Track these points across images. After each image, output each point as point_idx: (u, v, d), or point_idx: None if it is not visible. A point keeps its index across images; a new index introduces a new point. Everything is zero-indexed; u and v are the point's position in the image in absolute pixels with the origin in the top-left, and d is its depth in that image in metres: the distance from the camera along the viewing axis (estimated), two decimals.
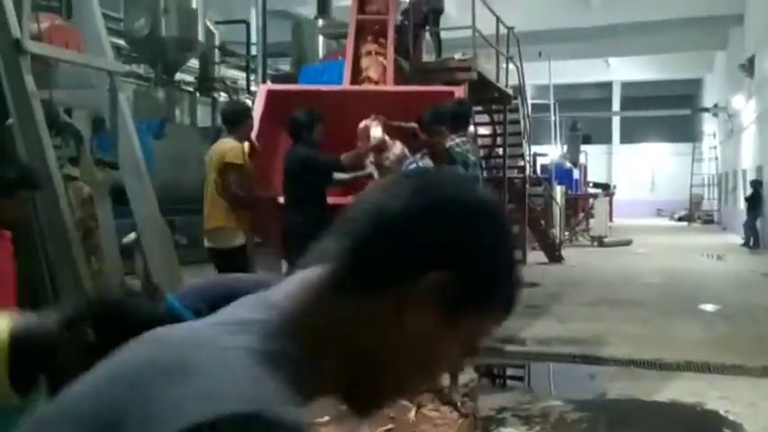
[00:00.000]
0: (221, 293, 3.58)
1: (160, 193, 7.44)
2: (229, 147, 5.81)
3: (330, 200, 5.98)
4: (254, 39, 13.75)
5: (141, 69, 13.71)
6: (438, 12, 11.25)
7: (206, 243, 5.91)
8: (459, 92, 7.45)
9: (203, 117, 14.04)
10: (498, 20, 12.13)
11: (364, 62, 8.69)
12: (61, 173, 5.76)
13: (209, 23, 13.44)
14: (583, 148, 28.72)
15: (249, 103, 10.10)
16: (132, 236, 6.59)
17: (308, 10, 16.74)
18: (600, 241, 18.78)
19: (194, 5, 12.03)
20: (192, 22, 12.07)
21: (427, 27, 11.17)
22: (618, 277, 12.56)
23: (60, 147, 6.19)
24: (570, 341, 7.45)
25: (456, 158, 5.05)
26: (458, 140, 5.73)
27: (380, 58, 8.72)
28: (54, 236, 5.29)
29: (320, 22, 13.18)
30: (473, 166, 5.12)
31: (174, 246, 7.10)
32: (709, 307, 9.45)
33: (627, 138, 36.33)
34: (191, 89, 13.97)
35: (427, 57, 11.43)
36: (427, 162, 5.02)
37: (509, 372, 7.24)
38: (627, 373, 6.44)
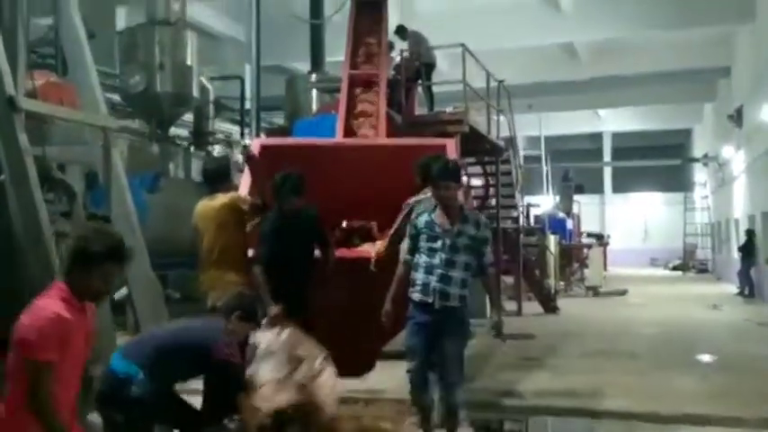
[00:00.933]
0: (167, 344, 3.53)
1: (154, 246, 7.42)
2: (230, 197, 5.75)
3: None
4: (248, 93, 13.89)
5: (136, 124, 13.78)
6: (430, 66, 11.43)
7: (212, 302, 5.59)
8: (451, 144, 7.49)
9: (198, 171, 14.09)
10: (488, 74, 12.31)
11: (357, 116, 8.77)
12: (53, 229, 5.75)
13: (203, 79, 13.58)
14: (575, 197, 28.87)
15: (238, 156, 10.13)
16: (123, 291, 6.54)
17: (302, 65, 16.99)
18: (595, 291, 18.72)
19: (189, 62, 12.16)
20: (187, 77, 12.19)
21: (420, 81, 11.33)
22: (614, 328, 12.48)
23: (53, 202, 6.18)
24: (568, 394, 7.36)
25: (468, 217, 5.01)
26: (421, 197, 5.85)
27: (372, 112, 8.80)
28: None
29: (314, 76, 13.36)
30: (484, 226, 5.05)
31: (167, 300, 7.05)
32: (706, 358, 9.37)
33: (619, 187, 36.58)
34: (185, 143, 14.04)
35: (420, 110, 11.57)
36: (438, 215, 4.96)
37: (507, 426, 7.13)
38: (625, 427, 6.35)
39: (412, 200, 6.18)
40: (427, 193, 6.03)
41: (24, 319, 2.86)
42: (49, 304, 2.90)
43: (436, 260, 4.88)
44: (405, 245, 5.21)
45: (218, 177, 5.93)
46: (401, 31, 11.51)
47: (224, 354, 4.11)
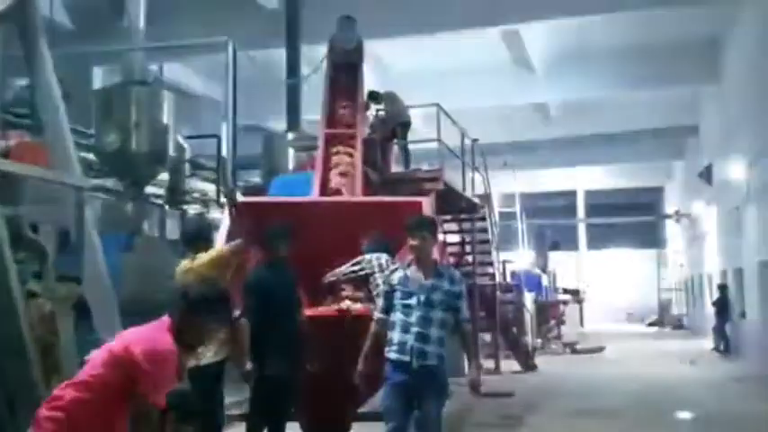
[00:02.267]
0: None
1: (127, 306, 7.28)
2: (213, 254, 5.72)
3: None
4: (224, 152, 13.92)
5: (111, 183, 13.70)
6: (406, 125, 11.55)
7: (196, 360, 5.37)
8: (427, 202, 7.53)
9: (172, 229, 13.97)
10: (463, 132, 12.47)
11: (334, 174, 8.80)
12: (24, 289, 5.63)
13: (179, 138, 13.59)
14: (551, 254, 29.01)
15: (220, 215, 10.08)
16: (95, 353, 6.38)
17: (279, 124, 17.10)
18: (572, 348, 18.66)
19: (165, 120, 12.18)
20: (163, 136, 12.18)
21: (395, 140, 11.43)
22: (593, 386, 12.41)
23: (24, 262, 6.08)
24: None
25: (443, 272, 4.99)
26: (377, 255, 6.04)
27: (349, 170, 8.84)
28: (12, 354, 5.11)
29: (290, 135, 13.43)
30: (459, 281, 5.01)
31: None
32: (685, 415, 9.32)
33: (594, 244, 36.87)
34: (160, 202, 13.95)
35: (396, 167, 11.65)
36: (413, 270, 4.94)
37: None
38: None
39: (368, 256, 6.27)
40: (381, 256, 6.20)
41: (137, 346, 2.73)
42: (168, 339, 2.82)
43: (412, 318, 4.81)
44: (379, 302, 5.17)
45: (198, 239, 5.89)
46: (374, 97, 11.65)
47: None
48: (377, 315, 5.08)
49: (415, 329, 4.79)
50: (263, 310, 5.53)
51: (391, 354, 4.84)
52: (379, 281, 5.99)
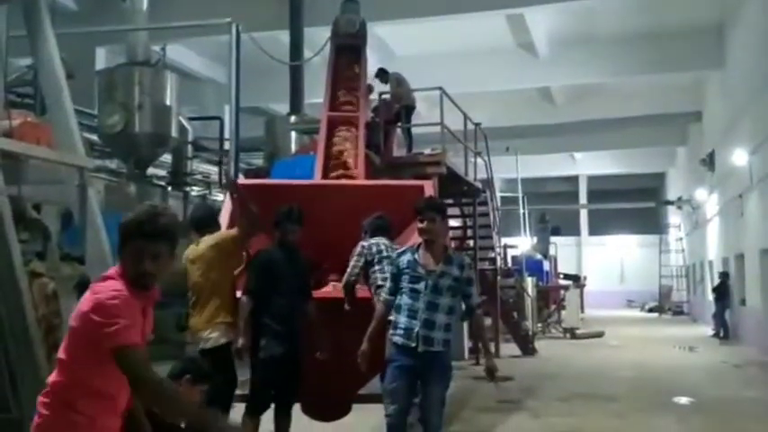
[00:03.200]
0: None
1: None
2: (217, 236, 5.69)
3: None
4: (227, 134, 13.92)
5: (113, 164, 13.72)
6: (410, 108, 11.54)
7: (203, 344, 5.47)
8: (429, 186, 7.54)
9: (175, 211, 14.02)
10: (465, 116, 12.45)
11: (336, 157, 8.81)
12: (27, 269, 5.67)
13: (182, 120, 13.60)
14: (552, 239, 29.02)
15: (221, 197, 10.10)
16: None
17: (281, 107, 17.09)
18: (572, 333, 18.72)
19: (168, 102, 12.18)
20: (166, 118, 12.20)
21: (399, 123, 11.43)
22: (592, 370, 12.47)
23: (27, 242, 6.11)
24: None
25: (452, 258, 4.89)
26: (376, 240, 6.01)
27: (351, 153, 8.84)
28: (15, 333, 5.15)
29: (293, 118, 13.42)
30: (468, 267, 4.92)
31: None
32: (683, 400, 9.37)
33: (595, 230, 36.88)
34: (163, 184, 13.99)
35: (398, 152, 11.65)
36: (422, 255, 4.84)
37: None
38: None
39: (366, 243, 6.20)
40: (380, 239, 6.12)
41: (85, 306, 2.59)
42: (116, 285, 2.64)
43: (419, 303, 4.76)
44: (386, 283, 5.11)
45: (206, 224, 5.88)
46: (382, 73, 11.65)
47: None
48: (384, 296, 5.02)
49: (422, 315, 4.74)
50: (268, 291, 5.50)
51: (397, 338, 4.81)
52: (378, 274, 5.95)
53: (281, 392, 5.62)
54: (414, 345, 4.73)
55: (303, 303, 5.70)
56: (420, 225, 4.86)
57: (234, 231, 5.72)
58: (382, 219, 6.37)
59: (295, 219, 5.68)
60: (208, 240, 5.71)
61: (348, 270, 6.08)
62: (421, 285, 4.78)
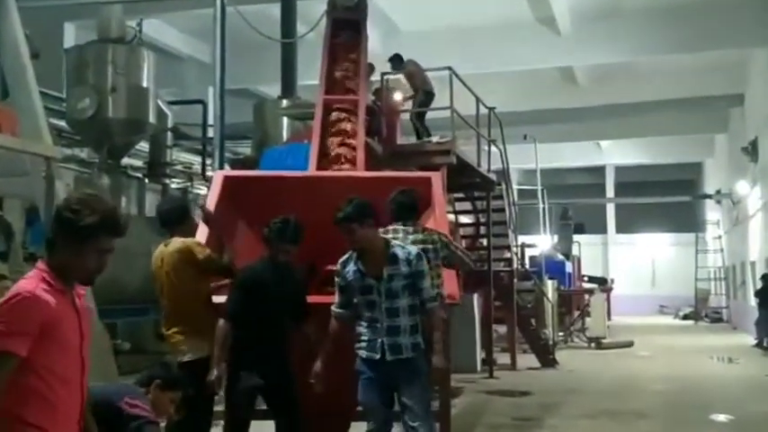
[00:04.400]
0: None
1: (101, 292, 7.32)
2: (183, 243, 5.64)
3: None
4: (211, 120, 13.93)
5: (84, 154, 13.75)
6: (431, 94, 11.57)
7: (183, 356, 5.52)
8: (437, 177, 7.54)
9: (152, 206, 14.04)
10: (478, 100, 12.44)
11: (333, 146, 8.81)
12: None
13: (161, 103, 13.61)
14: (575, 238, 29.02)
15: (205, 190, 10.08)
16: None
17: (272, 89, 17.09)
18: (598, 343, 18.74)
19: (145, 84, 12.20)
20: (143, 102, 12.22)
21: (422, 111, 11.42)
22: (619, 384, 12.48)
23: None
24: None
25: (396, 254, 4.97)
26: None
27: (350, 141, 8.84)
28: None
29: (284, 102, 13.43)
30: (417, 258, 4.97)
31: (115, 353, 6.97)
32: (721, 417, 9.38)
33: (623, 227, 36.87)
34: (139, 175, 14.01)
35: (402, 140, 11.66)
36: (366, 261, 4.98)
37: None
38: None
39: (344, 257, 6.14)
40: (397, 229, 6.03)
41: None
42: (24, 285, 2.70)
43: (377, 312, 4.95)
44: (335, 296, 5.19)
45: (173, 219, 5.81)
46: (397, 60, 11.65)
47: (128, 411, 3.93)
48: (334, 310, 5.16)
49: (383, 324, 4.93)
50: (251, 315, 5.37)
51: (362, 351, 5.01)
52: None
53: (283, 426, 5.58)
54: (378, 356, 4.93)
55: (294, 328, 5.58)
56: (346, 239, 4.99)
57: (202, 249, 5.65)
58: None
59: (290, 237, 5.49)
60: (176, 243, 5.67)
61: None
62: (374, 295, 4.96)
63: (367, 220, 5.03)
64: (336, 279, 5.18)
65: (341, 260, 5.17)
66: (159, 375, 4.18)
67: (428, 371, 5.03)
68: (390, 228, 5.94)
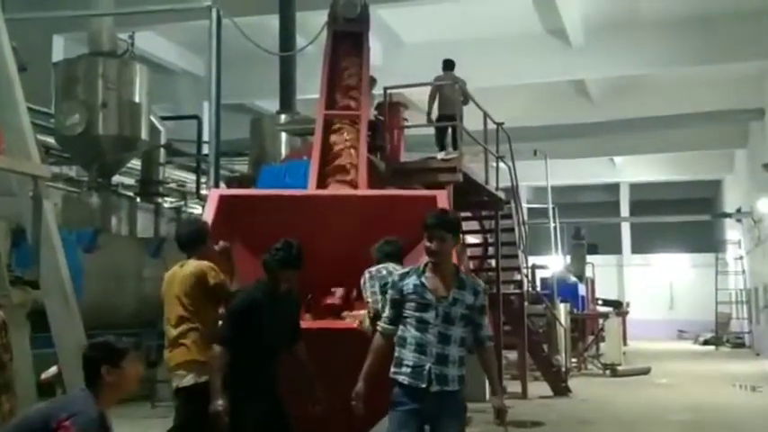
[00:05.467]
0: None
1: (90, 316, 7.33)
2: (198, 265, 5.77)
3: None
4: (205, 136, 13.97)
5: (73, 172, 13.79)
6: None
7: (180, 381, 5.66)
8: (443, 196, 7.55)
9: (145, 226, 14.06)
10: (486, 114, 12.46)
11: (333, 162, 8.83)
12: None
13: (153, 119, 13.67)
14: (589, 258, 28.93)
15: (200, 210, 10.09)
16: (53, 370, 6.44)
17: (270, 104, 17.15)
18: (613, 370, 18.65)
19: (137, 99, 12.25)
20: (135, 117, 12.27)
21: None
22: (636, 414, 12.41)
23: None
24: None
25: (465, 281, 4.85)
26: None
27: (351, 157, 8.86)
28: None
29: (283, 117, 13.47)
30: (483, 292, 4.90)
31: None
32: None
33: (639, 247, 36.79)
34: (130, 194, 14.04)
35: (405, 156, 11.68)
36: (430, 278, 4.79)
37: None
38: None
39: (373, 269, 6.21)
40: (387, 266, 6.14)
41: None
42: None
43: (429, 336, 4.72)
44: (385, 311, 5.03)
45: (192, 242, 5.96)
46: (451, 65, 11.78)
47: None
48: (382, 326, 4.96)
49: (433, 350, 4.72)
50: (248, 341, 5.42)
51: (402, 377, 4.76)
52: (369, 291, 5.98)
53: None
54: (424, 385, 4.69)
55: (289, 350, 5.66)
56: (427, 244, 4.82)
57: (216, 274, 5.76)
58: (391, 244, 6.37)
59: (293, 263, 5.53)
60: (191, 265, 5.80)
61: (369, 300, 6.11)
62: (430, 315, 4.75)
63: (457, 236, 5.02)
64: (390, 292, 4.97)
65: (399, 272, 5.09)
66: (99, 360, 4.08)
67: (466, 406, 4.93)
68: (381, 265, 6.19)
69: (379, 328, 5.01)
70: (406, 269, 5.06)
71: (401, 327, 4.84)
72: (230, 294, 5.77)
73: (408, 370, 4.74)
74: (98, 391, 4.03)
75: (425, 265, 4.88)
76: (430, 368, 4.70)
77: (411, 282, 4.83)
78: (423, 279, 4.81)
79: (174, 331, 5.74)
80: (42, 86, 12.14)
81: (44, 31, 14.78)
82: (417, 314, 4.76)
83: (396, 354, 4.85)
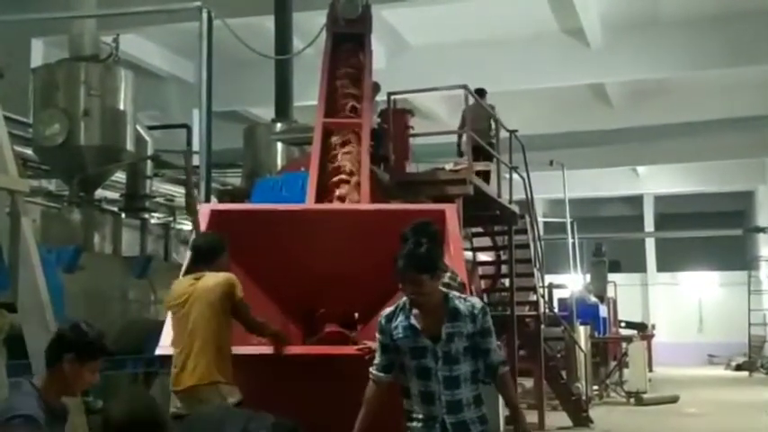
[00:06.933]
0: None
1: None
2: (229, 279, 5.86)
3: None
4: (196, 146, 14.01)
5: (53, 185, 13.81)
6: None
7: (184, 408, 5.69)
8: (452, 210, 7.57)
9: (130, 244, 14.07)
10: (497, 122, 12.49)
11: (333, 174, 8.85)
12: None
13: (140, 128, 13.69)
14: (610, 277, 28.91)
15: (188, 226, 10.10)
16: None
17: (264, 111, 17.20)
18: (638, 398, 18.61)
19: (122, 106, 12.27)
20: (119, 126, 12.27)
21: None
22: None
23: None
24: None
25: (458, 308, 4.58)
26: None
27: (353, 170, 8.89)
28: None
29: (279, 125, 13.50)
30: (482, 312, 4.62)
31: (87, 412, 6.95)
32: None
33: (665, 265, 36.70)
34: (115, 209, 14.05)
35: (411, 167, 11.70)
36: (419, 315, 4.59)
37: None
38: None
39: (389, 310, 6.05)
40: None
41: None
42: None
43: (434, 383, 4.56)
44: (375, 357, 4.85)
45: (212, 253, 6.08)
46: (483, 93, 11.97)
47: None
48: (374, 373, 4.77)
49: (443, 397, 4.56)
50: None
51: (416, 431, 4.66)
52: None
53: None
54: None
55: None
56: (405, 293, 4.60)
57: (241, 289, 5.89)
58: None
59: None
60: (215, 276, 5.88)
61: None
62: (429, 360, 4.56)
63: (440, 267, 4.72)
64: (378, 336, 4.78)
65: (385, 313, 4.78)
66: (70, 346, 4.07)
67: None
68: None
69: (371, 376, 4.80)
70: (392, 308, 4.78)
71: (402, 375, 4.70)
72: (249, 316, 5.89)
73: (420, 425, 4.63)
74: (51, 376, 4.06)
75: (409, 305, 4.65)
76: (443, 419, 4.55)
77: (400, 324, 4.64)
78: (412, 320, 4.60)
79: (189, 350, 5.77)
80: (19, 94, 12.17)
81: (22, 34, 14.86)
82: (415, 361, 4.60)
83: (404, 406, 4.74)
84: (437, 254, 4.75)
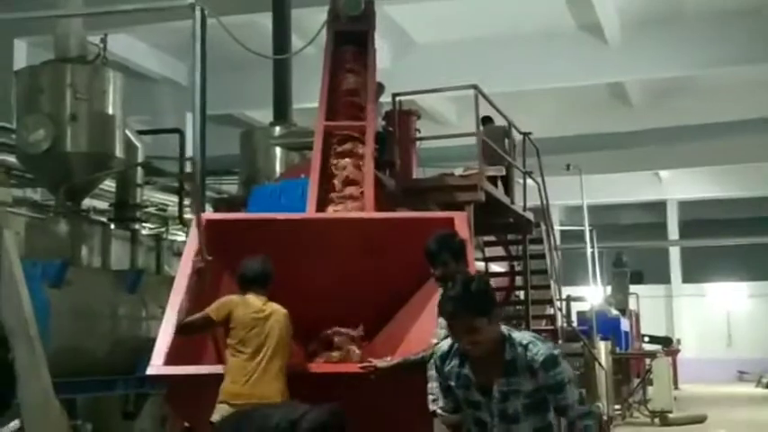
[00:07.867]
0: None
1: (58, 361, 7.34)
2: (287, 313, 6.39)
3: None
4: (189, 152, 14.03)
5: (38, 195, 13.84)
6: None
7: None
8: (462, 218, 7.56)
9: (120, 256, 14.08)
10: (510, 124, 12.49)
11: (335, 181, 8.86)
12: None
13: (130, 134, 13.72)
14: (632, 289, 28.87)
15: (181, 237, 10.10)
16: (14, 424, 6.46)
17: (262, 114, 17.24)
18: (663, 417, 18.57)
19: (111, 111, 12.30)
20: (108, 132, 12.28)
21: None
22: None
23: None
24: None
25: (514, 359, 4.13)
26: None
27: (356, 176, 8.89)
28: None
29: (277, 129, 13.52)
30: (551, 363, 4.13)
31: None
32: None
33: (691, 275, 36.64)
34: (104, 219, 14.07)
35: (418, 172, 11.71)
36: (471, 365, 4.25)
37: None
38: None
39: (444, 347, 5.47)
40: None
41: None
42: None
43: None
44: (435, 393, 4.78)
45: (266, 279, 6.45)
46: (489, 121, 12.07)
47: None
48: (440, 413, 4.65)
49: None
50: None
51: None
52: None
53: None
54: None
55: None
56: (459, 344, 4.19)
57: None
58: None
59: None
60: (278, 305, 6.38)
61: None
62: (485, 414, 4.25)
63: (496, 310, 4.22)
64: (436, 376, 4.52)
65: (439, 352, 4.41)
66: None
67: None
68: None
69: (440, 419, 4.70)
70: (446, 344, 4.39)
71: (465, 419, 4.42)
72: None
73: None
74: None
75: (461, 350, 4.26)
76: None
77: (454, 370, 4.31)
78: (466, 369, 4.24)
79: (266, 367, 6.20)
80: (2, 98, 12.23)
81: (4, 35, 14.92)
82: (472, 411, 4.31)
83: None
84: (492, 291, 4.30)
